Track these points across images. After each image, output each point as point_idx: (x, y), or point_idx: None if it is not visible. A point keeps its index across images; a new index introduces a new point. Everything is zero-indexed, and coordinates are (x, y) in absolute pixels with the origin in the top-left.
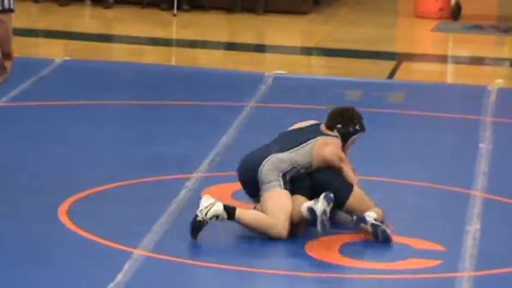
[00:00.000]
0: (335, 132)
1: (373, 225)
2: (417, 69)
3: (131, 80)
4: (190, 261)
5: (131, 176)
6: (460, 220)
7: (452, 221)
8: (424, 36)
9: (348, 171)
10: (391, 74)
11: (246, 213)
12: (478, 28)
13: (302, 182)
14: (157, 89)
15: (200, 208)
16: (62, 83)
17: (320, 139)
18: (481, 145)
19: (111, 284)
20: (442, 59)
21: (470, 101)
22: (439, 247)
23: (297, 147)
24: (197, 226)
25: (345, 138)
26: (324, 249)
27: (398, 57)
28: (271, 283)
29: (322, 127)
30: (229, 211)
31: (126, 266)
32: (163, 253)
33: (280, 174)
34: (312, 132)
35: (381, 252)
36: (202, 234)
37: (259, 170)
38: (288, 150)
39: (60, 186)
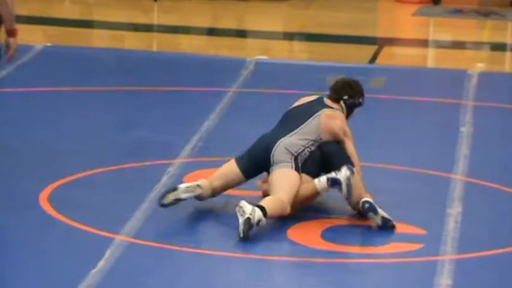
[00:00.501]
0: (341, 104)
1: (383, 218)
2: (398, 53)
3: (112, 66)
4: (173, 247)
5: (113, 162)
6: (441, 203)
7: (434, 205)
8: (405, 21)
9: (351, 147)
10: (373, 59)
11: (270, 208)
12: (458, 12)
13: (310, 160)
14: (138, 74)
15: (246, 211)
16: (43, 69)
17: (326, 111)
18: (462, 129)
19: (93, 270)
20: (423, 43)
21: (451, 85)
22: (420, 231)
23: (303, 125)
24: (250, 226)
25: (350, 110)
26: (306, 234)
27: (379, 42)
28: (253, 268)
29: (327, 100)
30: (264, 213)
31: (108, 252)
32: (145, 239)
33: (293, 157)
34: (317, 105)
35: (363, 236)
36: (184, 219)
37: (272, 154)
38: (295, 131)
39: (41, 172)
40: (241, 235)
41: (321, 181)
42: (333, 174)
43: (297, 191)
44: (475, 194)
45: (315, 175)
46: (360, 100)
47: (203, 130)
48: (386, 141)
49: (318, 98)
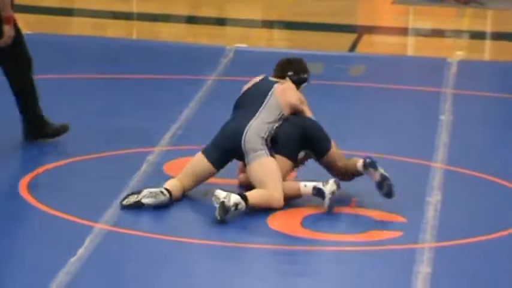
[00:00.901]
0: (286, 80)
1: (382, 175)
2: (378, 41)
3: (92, 54)
4: (152, 235)
5: (92, 149)
6: (420, 191)
7: (413, 193)
8: (384, 9)
9: (308, 113)
10: (352, 47)
11: (252, 196)
12: (438, 0)
13: (283, 139)
14: (118, 62)
15: (220, 196)
16: None
17: (277, 86)
18: (441, 117)
19: (73, 259)
20: (403, 31)
21: (431, 73)
22: (400, 218)
23: (262, 106)
24: (225, 210)
25: (297, 86)
26: (286, 221)
27: (359, 30)
28: (233, 256)
29: (272, 78)
30: (244, 199)
31: (87, 241)
32: (124, 227)
33: (263, 141)
34: (266, 84)
35: (343, 224)
36: (164, 208)
37: (243, 140)
38: (257, 114)
39: (20, 160)
40: (218, 218)
41: (307, 187)
42: (319, 185)
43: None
44: (455, 182)
45: (292, 153)
46: (305, 76)
47: (182, 118)
48: (366, 129)
49: (264, 77)
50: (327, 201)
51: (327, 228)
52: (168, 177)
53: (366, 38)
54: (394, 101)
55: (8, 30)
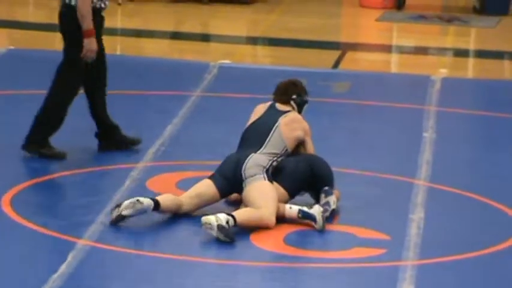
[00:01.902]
0: (291, 104)
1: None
2: (362, 58)
3: None
4: (135, 252)
5: (76, 165)
6: (404, 209)
7: (397, 210)
8: (368, 26)
9: (311, 144)
10: (336, 64)
11: (241, 215)
12: (422, 18)
13: (285, 172)
14: None
15: (212, 221)
16: (5, 72)
17: (282, 120)
18: (425, 134)
19: (55, 275)
20: (387, 48)
21: (415, 90)
22: (383, 236)
23: (267, 140)
24: (225, 231)
25: (300, 108)
26: (270, 238)
27: (343, 47)
28: (216, 273)
29: (278, 105)
30: (232, 216)
31: (70, 257)
32: (108, 243)
33: (263, 169)
34: (272, 116)
35: (326, 241)
36: (147, 223)
37: (243, 168)
38: (262, 147)
39: (3, 175)
40: (228, 241)
41: (292, 209)
42: (304, 209)
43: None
44: (438, 200)
45: (292, 188)
46: (307, 97)
47: (166, 134)
48: (349, 146)
49: (270, 105)
50: (319, 220)
51: (310, 246)
52: (151, 193)
53: (349, 55)
54: (377, 118)
55: (87, 43)
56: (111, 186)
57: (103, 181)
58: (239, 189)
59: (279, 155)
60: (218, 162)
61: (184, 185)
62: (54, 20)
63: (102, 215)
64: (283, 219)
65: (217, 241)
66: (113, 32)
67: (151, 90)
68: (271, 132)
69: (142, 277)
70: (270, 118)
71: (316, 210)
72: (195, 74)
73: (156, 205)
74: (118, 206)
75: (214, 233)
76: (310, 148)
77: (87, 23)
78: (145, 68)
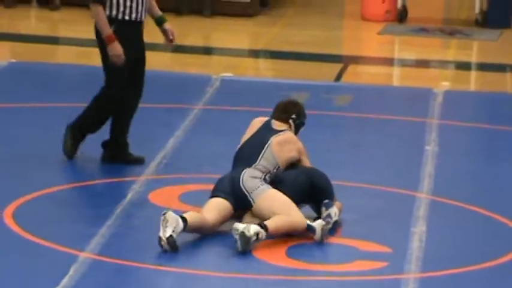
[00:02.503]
0: (289, 123)
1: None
2: (364, 71)
3: (78, 82)
4: (137, 264)
5: (78, 178)
6: (406, 222)
7: (399, 223)
8: (370, 39)
9: (307, 163)
10: (338, 77)
11: (273, 223)
12: (424, 31)
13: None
14: None
15: (239, 228)
16: (8, 85)
17: (274, 140)
18: (427, 147)
19: None
20: (389, 61)
21: (417, 103)
22: (385, 249)
23: (260, 157)
24: (246, 240)
25: (297, 128)
26: (271, 251)
27: (345, 60)
28: (218, 286)
29: (274, 123)
30: (264, 227)
31: (72, 270)
32: (109, 256)
33: (261, 179)
34: (264, 135)
35: (328, 254)
36: (149, 236)
37: (241, 184)
38: (255, 162)
39: (6, 189)
40: (240, 249)
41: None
42: (308, 222)
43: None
44: (440, 213)
45: (293, 200)
46: (304, 120)
47: (168, 147)
48: (351, 159)
49: (266, 122)
50: (318, 232)
51: (312, 258)
52: (153, 207)
53: (351, 68)
54: (379, 131)
55: (110, 49)
56: (113, 199)
57: (105, 194)
58: (242, 203)
59: (271, 172)
60: (220, 175)
61: (187, 198)
62: (56, 32)
63: (104, 227)
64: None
65: (218, 253)
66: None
67: (153, 103)
68: (263, 150)
69: None
70: (262, 136)
71: (318, 223)
72: (197, 87)
73: (185, 224)
74: (160, 238)
75: (236, 239)
76: (307, 165)
77: (105, 29)
78: (148, 81)
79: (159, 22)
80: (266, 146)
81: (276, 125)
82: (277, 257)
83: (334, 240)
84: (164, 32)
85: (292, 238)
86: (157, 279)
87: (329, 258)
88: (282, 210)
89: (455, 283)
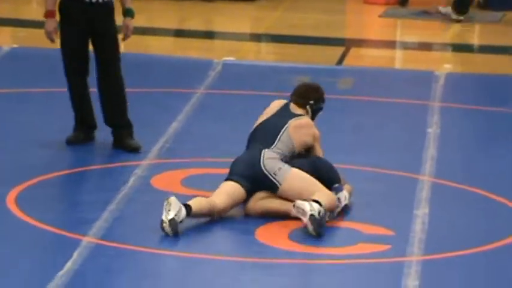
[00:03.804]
0: (307, 109)
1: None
2: (366, 54)
3: None
4: (140, 249)
5: (80, 163)
6: (408, 205)
7: (401, 206)
8: (372, 22)
9: (319, 150)
10: (340, 60)
11: (323, 200)
12: (425, 14)
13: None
14: None
15: (307, 209)
16: (10, 71)
17: (292, 123)
18: (429, 130)
19: (60, 272)
20: (391, 44)
21: (419, 86)
22: (388, 232)
23: (277, 140)
24: (318, 224)
25: (314, 114)
26: (274, 235)
27: (347, 43)
28: (221, 269)
29: (292, 106)
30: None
31: (75, 254)
32: (112, 240)
33: (281, 160)
34: (282, 116)
35: (330, 237)
36: (152, 220)
37: (261, 165)
38: (272, 145)
39: (8, 174)
40: (313, 234)
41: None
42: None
43: (272, 203)
44: (442, 195)
45: None
46: (323, 105)
47: (170, 131)
48: (354, 142)
49: (285, 104)
50: (309, 224)
51: (314, 242)
52: (156, 191)
53: (353, 51)
54: (381, 114)
55: (45, 25)
56: (115, 183)
57: (108, 179)
58: (261, 185)
59: (287, 155)
60: (222, 160)
61: (189, 182)
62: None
63: (106, 212)
64: (288, 216)
65: (221, 237)
66: (117, 29)
67: (155, 88)
68: (281, 132)
69: (147, 273)
70: (281, 119)
71: (315, 210)
72: (199, 71)
73: (188, 210)
74: (162, 221)
75: (306, 220)
76: (319, 153)
77: (46, 5)
78: (150, 66)
79: (123, 14)
80: (284, 128)
81: (294, 108)
82: (279, 240)
83: (336, 223)
84: (123, 25)
85: (295, 221)
86: (159, 263)
87: (332, 241)
88: (311, 188)
89: (458, 265)
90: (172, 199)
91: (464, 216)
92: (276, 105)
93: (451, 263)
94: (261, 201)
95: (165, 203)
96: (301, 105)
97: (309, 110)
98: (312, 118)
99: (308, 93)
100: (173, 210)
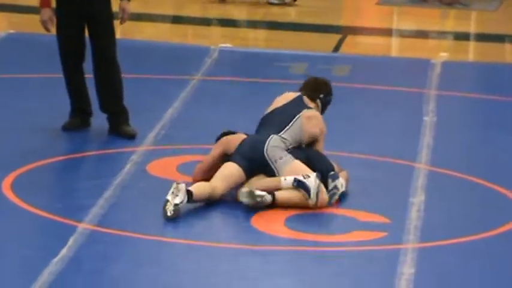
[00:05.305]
0: (317, 102)
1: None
2: (362, 42)
3: None
4: (136, 235)
5: (76, 149)
6: (404, 192)
7: (397, 194)
8: (369, 9)
9: (322, 146)
10: (337, 47)
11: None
12: (422, 1)
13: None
14: None
15: (257, 193)
16: (5, 56)
17: (305, 113)
18: (425, 118)
19: (56, 259)
20: (387, 32)
21: (415, 74)
22: (384, 219)
23: (288, 127)
24: (252, 196)
25: (324, 107)
26: (270, 222)
27: (343, 30)
28: (217, 256)
29: (305, 99)
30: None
31: (70, 241)
32: (108, 227)
33: (284, 150)
34: (297, 106)
35: (326, 225)
36: (148, 207)
37: (265, 149)
38: (282, 131)
39: (4, 159)
40: (251, 203)
41: (287, 180)
42: (301, 177)
43: (261, 182)
44: (438, 183)
45: None
46: (331, 97)
47: (167, 118)
48: (350, 130)
49: (299, 96)
50: (313, 197)
51: (310, 229)
52: (152, 178)
53: (350, 39)
54: (377, 101)
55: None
56: (111, 170)
57: (104, 165)
58: (262, 169)
59: (293, 145)
60: None
61: (185, 168)
62: (53, 3)
63: (102, 198)
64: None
65: (218, 224)
66: (114, 15)
67: (151, 74)
68: (293, 120)
69: (143, 260)
70: (295, 107)
71: (312, 183)
72: (195, 57)
73: (189, 197)
74: (167, 201)
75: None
76: (320, 148)
77: None
78: (146, 52)
79: None
80: (297, 117)
81: (306, 101)
82: (275, 227)
83: (332, 210)
84: (119, 9)
85: (291, 208)
86: (155, 249)
87: (328, 229)
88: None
89: (454, 252)
90: (182, 186)
91: (460, 204)
92: (289, 95)
93: (447, 251)
94: (250, 181)
95: (173, 186)
96: (313, 99)
97: (319, 103)
98: (323, 110)
99: (318, 87)
100: (180, 197)
